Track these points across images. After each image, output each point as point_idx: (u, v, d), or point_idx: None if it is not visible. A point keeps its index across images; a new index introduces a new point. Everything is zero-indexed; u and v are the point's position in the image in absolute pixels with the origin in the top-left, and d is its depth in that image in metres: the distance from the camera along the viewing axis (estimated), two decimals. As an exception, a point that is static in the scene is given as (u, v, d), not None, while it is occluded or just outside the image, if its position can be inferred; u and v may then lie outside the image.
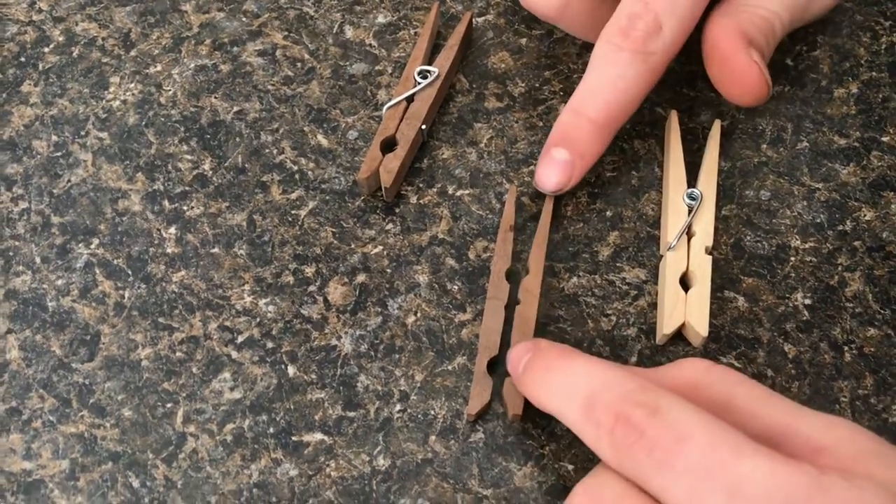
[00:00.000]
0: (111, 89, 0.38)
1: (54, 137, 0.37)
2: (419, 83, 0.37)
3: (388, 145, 0.36)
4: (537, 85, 0.38)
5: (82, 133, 0.37)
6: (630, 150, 0.37)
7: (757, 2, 0.34)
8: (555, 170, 0.33)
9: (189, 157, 0.37)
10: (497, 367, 0.32)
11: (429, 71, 0.37)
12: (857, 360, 0.33)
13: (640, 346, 0.33)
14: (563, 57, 0.39)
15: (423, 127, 0.36)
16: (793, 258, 0.35)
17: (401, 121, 0.36)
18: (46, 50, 0.39)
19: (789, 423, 0.23)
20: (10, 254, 0.35)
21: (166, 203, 0.36)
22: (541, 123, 0.37)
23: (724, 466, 0.21)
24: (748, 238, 0.35)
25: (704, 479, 0.21)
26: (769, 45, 0.34)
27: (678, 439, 0.22)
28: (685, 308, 0.32)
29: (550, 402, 0.26)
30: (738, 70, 0.32)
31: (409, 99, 0.36)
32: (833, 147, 0.37)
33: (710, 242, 0.33)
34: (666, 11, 0.32)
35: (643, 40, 0.32)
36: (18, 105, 0.38)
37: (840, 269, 0.34)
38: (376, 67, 0.39)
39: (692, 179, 0.35)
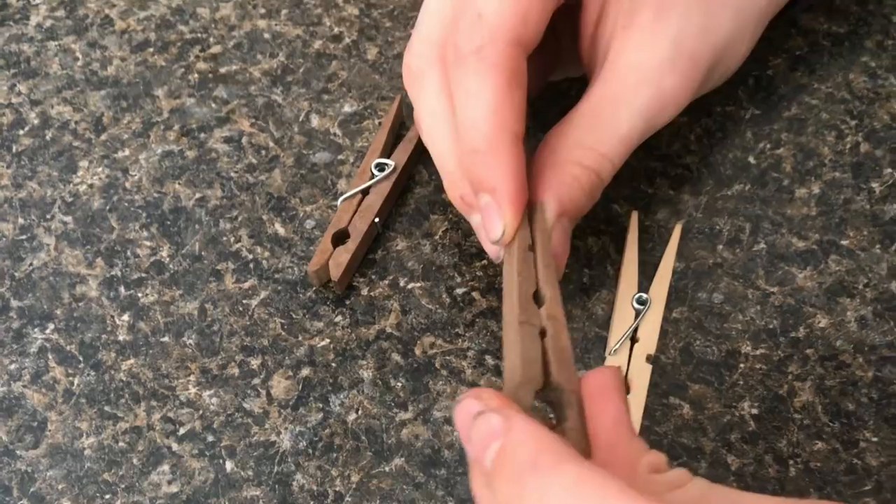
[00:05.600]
0: (79, 173, 0.39)
1: (21, 220, 0.38)
2: (375, 176, 0.37)
3: (340, 238, 0.36)
4: (495, 178, 0.38)
5: (48, 217, 0.38)
6: (584, 247, 0.37)
7: (590, 143, 0.31)
8: (486, 221, 0.29)
9: (148, 243, 0.37)
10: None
11: (386, 164, 0.37)
12: (802, 475, 0.32)
13: (579, 453, 0.33)
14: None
15: (377, 220, 0.36)
16: (742, 365, 0.34)
17: (354, 213, 0.36)
18: (21, 132, 0.40)
19: None
20: (-32, 337, 0.35)
21: (122, 289, 0.36)
22: (496, 217, 0.37)
23: None
24: (698, 342, 0.35)
25: None
26: (595, 196, 0.32)
27: None
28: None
29: None
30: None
31: (365, 191, 0.37)
32: (791, 249, 0.36)
33: (652, 350, 0.33)
34: (482, 2, 0.29)
35: (467, 40, 0.29)
36: (-10, 187, 0.39)
37: (790, 377, 0.34)
38: (339, 157, 0.39)
39: (645, 280, 0.35)
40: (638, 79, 0.31)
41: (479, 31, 0.29)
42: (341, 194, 0.38)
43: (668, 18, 0.31)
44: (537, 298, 0.26)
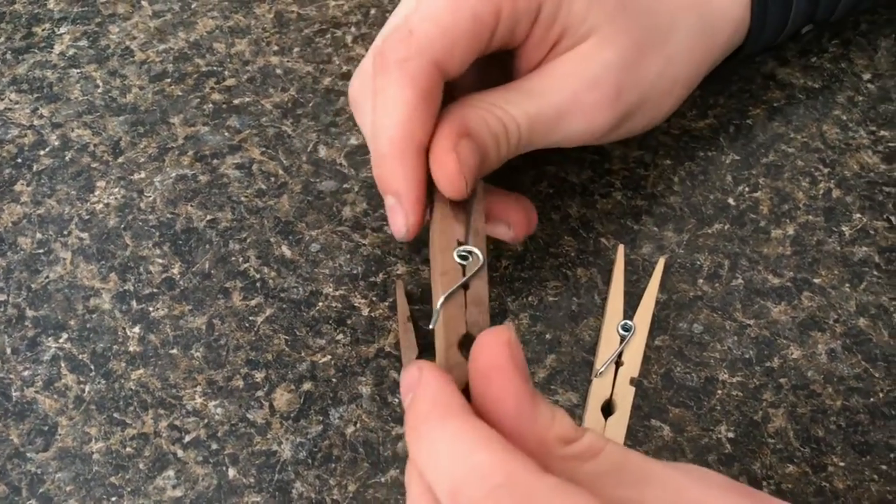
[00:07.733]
0: (96, 193, 0.41)
1: (39, 235, 0.40)
2: (462, 265, 0.30)
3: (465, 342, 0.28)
4: (491, 210, 0.41)
5: (65, 233, 0.40)
6: (573, 276, 0.39)
7: (499, 102, 0.34)
8: (391, 217, 0.33)
9: (160, 260, 0.39)
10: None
11: (470, 252, 0.30)
12: (774, 496, 0.34)
13: (565, 469, 0.34)
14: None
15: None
16: (719, 391, 0.36)
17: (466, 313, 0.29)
18: (42, 153, 0.42)
19: None
20: (-16, 343, 0.37)
21: (134, 303, 0.38)
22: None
23: None
24: (678, 369, 0.37)
25: None
26: (500, 148, 0.33)
27: None
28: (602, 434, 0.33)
29: (409, 478, 0.25)
30: (438, 158, 0.32)
31: (465, 285, 0.30)
32: (766, 285, 0.39)
33: (635, 374, 0.35)
34: (417, 18, 0.31)
35: (394, 50, 0.31)
36: (10, 203, 0.41)
37: (764, 404, 0.36)
38: (344, 185, 0.42)
39: (630, 309, 0.38)
40: (564, 84, 0.34)
41: (408, 45, 0.31)
42: (346, 220, 0.40)
43: (606, 48, 0.35)
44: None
